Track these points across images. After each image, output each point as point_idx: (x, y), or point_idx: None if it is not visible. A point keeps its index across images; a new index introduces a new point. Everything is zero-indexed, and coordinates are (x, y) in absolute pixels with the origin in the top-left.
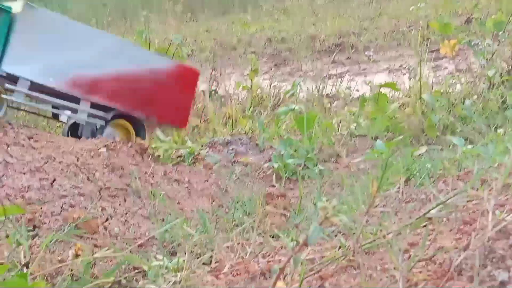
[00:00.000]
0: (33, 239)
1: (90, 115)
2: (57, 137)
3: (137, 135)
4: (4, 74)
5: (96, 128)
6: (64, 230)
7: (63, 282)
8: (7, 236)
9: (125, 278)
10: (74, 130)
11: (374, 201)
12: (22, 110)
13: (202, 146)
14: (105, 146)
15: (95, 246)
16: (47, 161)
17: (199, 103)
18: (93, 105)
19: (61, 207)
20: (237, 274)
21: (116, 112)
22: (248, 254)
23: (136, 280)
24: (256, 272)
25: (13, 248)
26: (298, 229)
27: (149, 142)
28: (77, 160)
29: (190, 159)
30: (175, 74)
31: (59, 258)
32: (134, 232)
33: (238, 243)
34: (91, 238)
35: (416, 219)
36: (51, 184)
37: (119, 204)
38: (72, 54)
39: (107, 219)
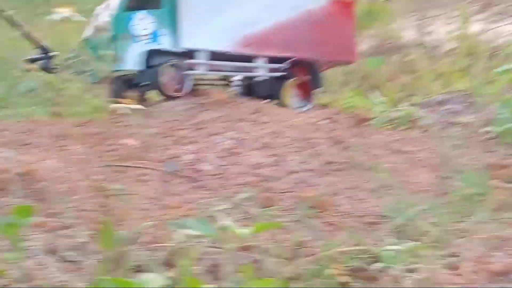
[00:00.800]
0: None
1: (267, 71)
2: (279, 110)
3: (313, 82)
4: (183, 51)
5: (271, 85)
6: (297, 209)
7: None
8: None
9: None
10: (248, 92)
11: None
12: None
13: (415, 106)
14: (326, 118)
15: (327, 224)
16: (275, 137)
17: (407, 57)
18: (268, 60)
19: (293, 184)
20: (477, 271)
21: (290, 62)
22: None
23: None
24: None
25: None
26: None
27: (365, 112)
28: (302, 134)
29: (405, 123)
30: (331, 10)
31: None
32: (361, 208)
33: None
34: (322, 217)
35: None
36: (281, 160)
37: (344, 179)
38: (237, 16)
39: (333, 195)
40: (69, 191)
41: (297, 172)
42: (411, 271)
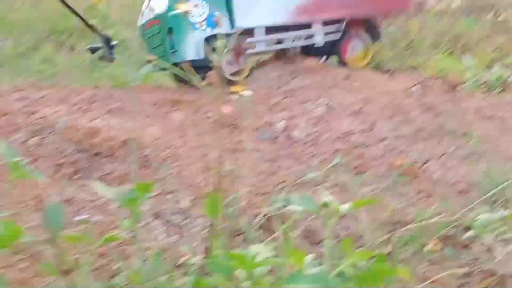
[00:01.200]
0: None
1: (325, 34)
2: (371, 75)
3: (373, 38)
4: (241, 31)
5: (330, 49)
6: (388, 176)
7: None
8: None
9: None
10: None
11: None
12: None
13: (509, 68)
14: (417, 84)
15: (419, 191)
16: (366, 103)
17: (500, 16)
18: (324, 24)
19: (384, 151)
20: None
21: (347, 22)
22: None
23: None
24: None
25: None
26: None
27: (457, 76)
28: (393, 101)
29: (498, 86)
30: None
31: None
32: (452, 176)
33: None
34: (414, 184)
35: None
36: (372, 127)
37: (436, 146)
38: None
39: (425, 163)
40: (171, 158)
41: (388, 138)
42: (503, 240)
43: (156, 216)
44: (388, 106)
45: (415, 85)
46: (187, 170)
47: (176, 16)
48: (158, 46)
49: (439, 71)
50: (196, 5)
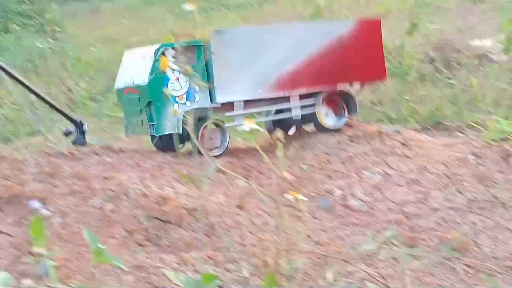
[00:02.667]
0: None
1: (301, 108)
2: (427, 142)
3: (348, 110)
4: (220, 105)
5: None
6: (439, 250)
7: None
8: None
9: None
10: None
11: None
12: None
13: None
14: (472, 153)
15: (467, 266)
16: (421, 172)
17: None
18: (300, 97)
19: (436, 222)
20: None
21: (323, 95)
22: None
23: None
24: None
25: None
26: None
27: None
28: (448, 170)
29: None
30: (358, 32)
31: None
32: (503, 251)
33: None
34: (464, 258)
35: None
36: (425, 197)
37: (488, 218)
38: (270, 58)
39: (476, 236)
40: (233, 226)
41: (441, 210)
42: None
43: (219, 285)
44: (443, 175)
45: (469, 153)
46: (249, 238)
47: (156, 89)
48: (135, 113)
49: (498, 133)
50: (177, 78)
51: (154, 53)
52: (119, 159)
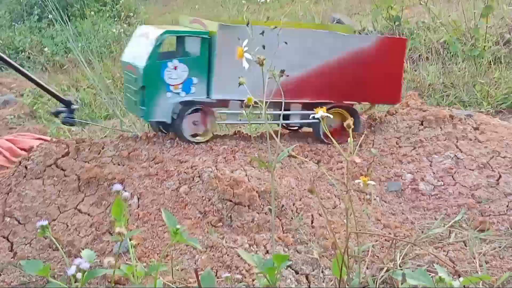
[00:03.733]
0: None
1: (302, 117)
2: (500, 127)
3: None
4: (215, 101)
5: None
6: (510, 234)
7: None
8: None
9: None
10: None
11: None
12: None
13: None
14: None
15: None
16: (493, 156)
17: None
18: (304, 106)
19: (507, 206)
20: None
21: (328, 107)
22: None
23: None
24: None
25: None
26: None
27: None
28: None
29: None
30: (380, 49)
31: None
32: None
33: None
34: None
35: None
36: (498, 181)
37: None
38: (273, 62)
39: None
40: (303, 208)
41: None
42: None
43: (289, 265)
44: None
45: None
46: (318, 221)
47: (151, 75)
48: (131, 92)
49: None
50: (175, 67)
51: (156, 39)
52: (195, 143)
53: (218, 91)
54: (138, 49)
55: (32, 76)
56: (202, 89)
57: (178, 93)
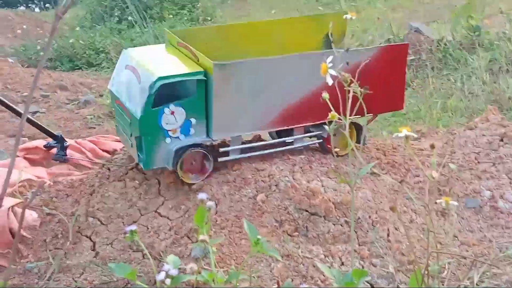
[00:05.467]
0: None
1: (305, 140)
2: None
3: (357, 141)
4: (215, 142)
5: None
6: None
7: None
8: None
9: None
10: None
11: None
12: None
13: None
14: None
15: None
16: None
17: None
18: (306, 128)
19: None
20: None
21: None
22: None
23: None
24: None
25: None
26: None
27: None
28: None
29: None
30: (382, 59)
31: None
32: None
33: None
34: None
35: None
36: None
37: None
38: (272, 92)
39: None
40: (380, 221)
41: None
42: None
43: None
44: None
45: None
46: (394, 235)
47: (148, 124)
48: (125, 130)
49: None
50: (172, 112)
51: (150, 86)
52: (271, 153)
53: (218, 132)
54: (129, 87)
55: (19, 110)
56: (202, 129)
57: (177, 137)
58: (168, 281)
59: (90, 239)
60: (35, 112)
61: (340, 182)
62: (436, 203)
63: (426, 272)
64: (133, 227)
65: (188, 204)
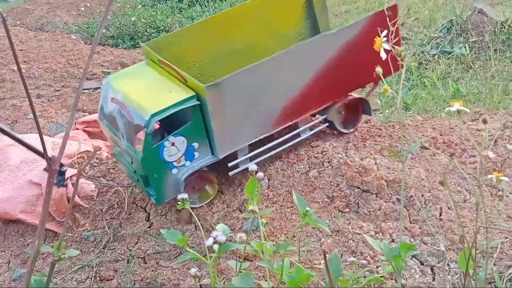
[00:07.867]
0: None
1: (311, 128)
2: None
3: (364, 112)
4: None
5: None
6: None
7: None
8: None
9: None
10: None
11: None
12: None
13: None
14: None
15: None
16: None
17: None
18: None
19: None
20: None
21: (336, 105)
22: None
23: None
24: None
25: None
26: None
27: None
28: None
29: None
30: (370, 29)
31: None
32: None
33: None
34: None
35: None
36: None
37: None
38: (269, 95)
39: None
40: (432, 200)
41: None
42: None
43: (414, 255)
44: None
45: None
46: (447, 214)
47: (152, 162)
48: (129, 168)
49: None
50: (173, 143)
51: (145, 125)
52: (324, 128)
53: (222, 149)
54: (121, 124)
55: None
56: (206, 149)
57: (183, 165)
58: (216, 247)
59: (145, 210)
60: (96, 88)
61: (392, 156)
62: (486, 180)
63: (475, 250)
64: (184, 195)
65: (240, 178)
